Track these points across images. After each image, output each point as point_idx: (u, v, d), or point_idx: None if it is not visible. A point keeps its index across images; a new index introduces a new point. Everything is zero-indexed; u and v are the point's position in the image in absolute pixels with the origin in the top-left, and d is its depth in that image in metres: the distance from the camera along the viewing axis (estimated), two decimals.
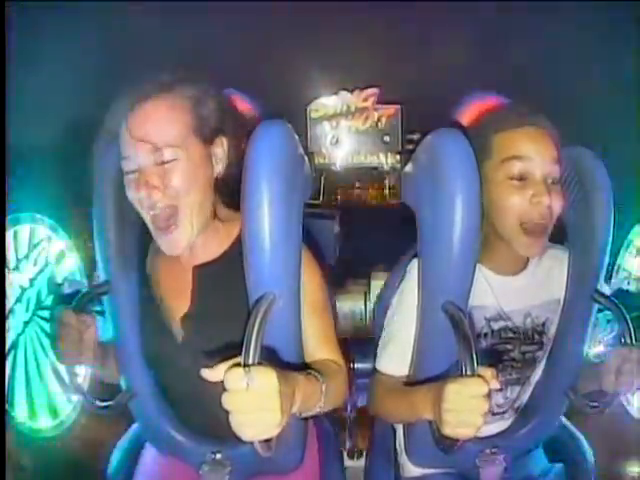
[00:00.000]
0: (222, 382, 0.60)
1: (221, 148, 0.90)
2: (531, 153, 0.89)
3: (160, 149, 0.83)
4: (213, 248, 0.93)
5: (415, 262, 0.96)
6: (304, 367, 0.81)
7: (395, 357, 0.98)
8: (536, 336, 1.01)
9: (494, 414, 1.03)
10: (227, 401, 0.60)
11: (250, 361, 0.61)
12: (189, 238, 0.87)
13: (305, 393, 0.71)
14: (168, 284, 0.95)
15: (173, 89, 0.86)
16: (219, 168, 0.90)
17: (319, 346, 0.90)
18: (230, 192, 0.88)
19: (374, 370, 1.02)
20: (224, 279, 0.91)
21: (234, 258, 0.85)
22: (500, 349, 1.00)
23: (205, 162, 0.88)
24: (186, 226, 0.86)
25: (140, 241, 0.96)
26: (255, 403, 0.60)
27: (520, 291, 0.99)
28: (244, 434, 0.61)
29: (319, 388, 0.77)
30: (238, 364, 0.61)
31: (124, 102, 0.85)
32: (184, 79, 0.88)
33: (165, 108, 0.84)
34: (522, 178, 0.90)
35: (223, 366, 0.61)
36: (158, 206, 0.84)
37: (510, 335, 1.00)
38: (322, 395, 0.78)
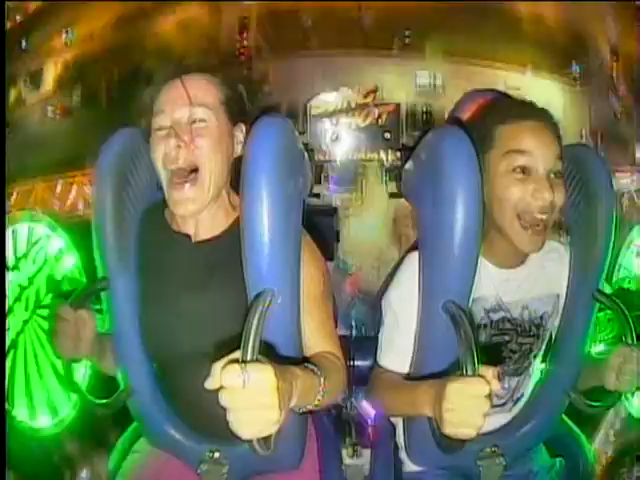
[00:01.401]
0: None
1: (241, 134, 0.95)
2: (534, 148, 0.89)
3: (194, 106, 0.89)
4: (217, 226, 0.94)
5: (413, 255, 0.96)
6: (302, 360, 0.81)
7: (396, 352, 0.98)
8: (533, 328, 1.01)
9: (494, 406, 1.02)
10: (224, 398, 0.59)
11: (248, 358, 0.60)
12: (203, 201, 0.89)
13: (303, 387, 0.70)
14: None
15: (207, 70, 0.94)
16: (237, 151, 0.94)
17: (318, 338, 0.90)
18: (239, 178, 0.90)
19: (374, 364, 1.02)
20: (224, 257, 0.90)
21: (235, 238, 0.85)
22: (498, 340, 1.00)
23: (229, 138, 0.93)
24: (204, 186, 0.89)
25: (140, 235, 0.96)
26: (252, 400, 0.59)
27: (519, 283, 0.99)
28: (242, 432, 0.60)
29: (317, 382, 0.77)
30: (235, 360, 0.60)
31: (163, 74, 0.93)
32: (212, 66, 0.98)
33: (202, 80, 0.92)
34: (525, 172, 0.90)
35: (219, 364, 0.60)
36: (181, 161, 0.87)
37: (508, 326, 1.00)
38: (320, 388, 0.77)
